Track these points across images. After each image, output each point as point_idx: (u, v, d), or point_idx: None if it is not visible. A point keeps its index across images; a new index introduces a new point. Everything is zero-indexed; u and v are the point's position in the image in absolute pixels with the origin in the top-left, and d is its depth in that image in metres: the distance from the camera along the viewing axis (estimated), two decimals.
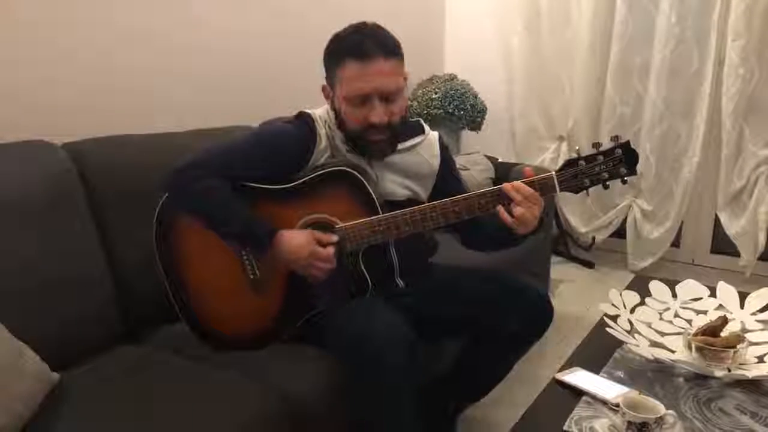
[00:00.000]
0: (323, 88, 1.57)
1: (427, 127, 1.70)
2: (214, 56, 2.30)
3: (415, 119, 1.70)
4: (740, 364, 1.42)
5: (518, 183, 1.42)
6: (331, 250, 1.45)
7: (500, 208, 1.42)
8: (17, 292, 1.42)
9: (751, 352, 1.46)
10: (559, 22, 3.25)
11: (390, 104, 1.49)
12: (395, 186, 1.62)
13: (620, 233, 3.38)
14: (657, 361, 1.43)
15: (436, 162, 1.68)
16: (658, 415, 1.14)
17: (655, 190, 3.22)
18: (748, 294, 1.72)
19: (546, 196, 1.45)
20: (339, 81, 1.49)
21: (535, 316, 1.60)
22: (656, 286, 1.77)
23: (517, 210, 1.41)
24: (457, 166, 2.68)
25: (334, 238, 1.47)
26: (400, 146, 1.59)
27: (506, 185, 1.43)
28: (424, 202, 1.63)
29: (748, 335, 1.51)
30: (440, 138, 1.72)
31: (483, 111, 3.20)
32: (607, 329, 1.52)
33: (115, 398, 1.34)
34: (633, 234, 3.31)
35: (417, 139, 1.65)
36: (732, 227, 3.04)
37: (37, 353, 1.30)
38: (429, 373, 1.75)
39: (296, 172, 1.53)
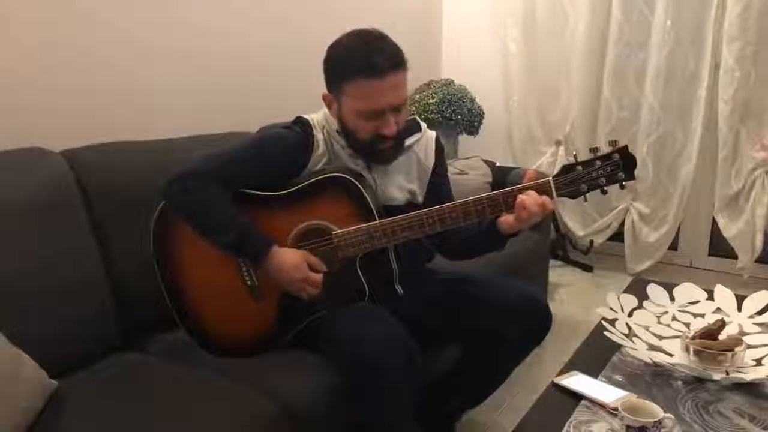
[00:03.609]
0: (324, 97, 1.56)
1: (423, 125, 1.69)
2: (212, 61, 2.31)
3: (411, 117, 1.68)
4: (738, 367, 1.42)
5: (522, 198, 1.41)
6: (320, 276, 1.47)
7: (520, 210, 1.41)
8: (15, 298, 1.41)
9: (749, 355, 1.46)
10: (556, 27, 3.26)
11: (398, 114, 1.50)
12: (395, 189, 1.62)
13: (618, 236, 3.38)
14: (655, 364, 1.43)
15: (431, 161, 1.68)
16: (657, 419, 1.14)
17: (652, 193, 3.22)
18: (746, 297, 1.73)
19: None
20: (348, 94, 1.48)
21: (533, 323, 1.60)
22: (654, 290, 1.78)
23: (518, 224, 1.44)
24: (455, 170, 2.71)
25: (324, 267, 1.48)
26: None
27: (519, 201, 1.41)
28: (421, 203, 1.64)
29: (745, 338, 1.51)
30: (438, 139, 1.72)
31: (480, 115, 3.21)
32: (606, 333, 1.52)
33: (114, 404, 1.34)
34: (631, 237, 3.32)
35: (414, 138, 1.64)
36: (729, 230, 3.04)
37: (35, 359, 1.30)
38: (428, 377, 1.75)
39: (294, 178, 1.53)
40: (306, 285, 1.46)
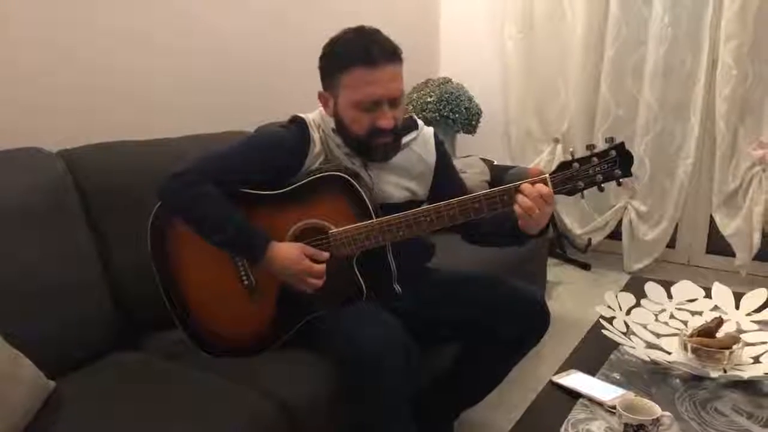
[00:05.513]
0: (320, 96, 1.56)
1: (420, 123, 1.69)
2: (210, 61, 2.30)
3: (407, 115, 1.67)
4: (736, 364, 1.42)
5: (525, 186, 1.40)
6: (322, 267, 1.46)
7: (516, 207, 1.40)
8: (14, 298, 1.41)
9: (747, 353, 1.46)
10: (554, 25, 3.26)
11: (394, 108, 1.50)
12: (393, 188, 1.61)
13: (616, 235, 3.39)
14: (653, 362, 1.43)
15: (432, 158, 1.68)
16: (655, 417, 1.14)
17: (650, 191, 3.23)
18: (744, 294, 1.73)
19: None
20: (344, 87, 1.48)
21: (532, 322, 1.60)
22: (652, 288, 1.77)
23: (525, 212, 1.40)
24: None
25: (325, 255, 1.47)
26: None
27: (520, 193, 1.40)
28: (423, 201, 1.64)
29: (743, 336, 1.51)
30: (435, 133, 1.71)
31: (478, 114, 3.21)
32: (603, 331, 1.51)
33: (113, 405, 1.34)
34: (628, 235, 3.32)
35: (411, 135, 1.64)
36: (727, 228, 3.05)
37: (33, 360, 1.29)
38: (426, 376, 1.75)
39: (291, 177, 1.53)
40: (307, 277, 1.45)
